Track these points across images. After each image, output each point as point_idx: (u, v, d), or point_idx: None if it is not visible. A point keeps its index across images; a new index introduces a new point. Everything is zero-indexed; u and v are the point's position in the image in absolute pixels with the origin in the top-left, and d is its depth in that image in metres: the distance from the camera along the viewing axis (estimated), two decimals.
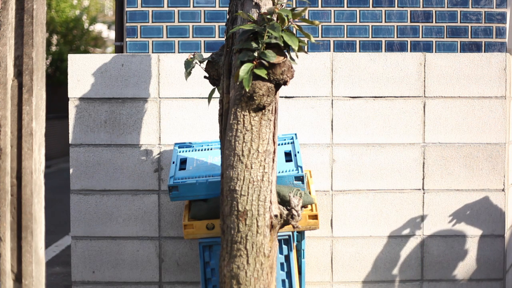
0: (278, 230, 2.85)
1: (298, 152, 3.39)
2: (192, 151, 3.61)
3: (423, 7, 4.40)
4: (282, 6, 2.78)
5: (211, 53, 3.09)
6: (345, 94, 3.83)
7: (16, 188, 2.21)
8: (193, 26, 4.38)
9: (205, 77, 3.11)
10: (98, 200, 3.81)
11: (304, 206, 3.25)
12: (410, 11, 4.40)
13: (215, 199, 3.22)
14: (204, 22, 4.37)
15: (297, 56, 2.85)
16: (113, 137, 3.80)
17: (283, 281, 3.23)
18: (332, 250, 3.84)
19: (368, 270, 3.85)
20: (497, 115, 3.84)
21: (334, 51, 4.38)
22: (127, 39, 4.38)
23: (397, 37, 4.40)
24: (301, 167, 3.28)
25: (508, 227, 3.93)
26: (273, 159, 2.79)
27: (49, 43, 16.75)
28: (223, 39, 3.96)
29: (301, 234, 3.43)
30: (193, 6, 4.37)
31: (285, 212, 2.86)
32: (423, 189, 3.85)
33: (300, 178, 3.22)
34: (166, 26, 4.37)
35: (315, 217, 3.26)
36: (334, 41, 4.39)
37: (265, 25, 2.70)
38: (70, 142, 3.81)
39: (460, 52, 4.40)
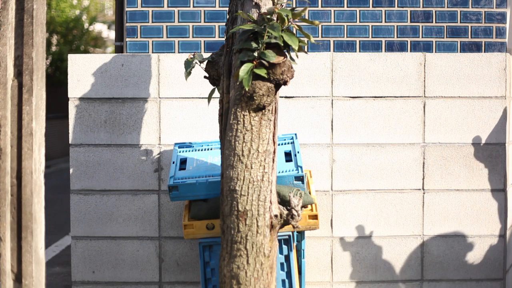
0: (278, 230, 2.85)
1: (298, 152, 3.39)
2: (192, 151, 3.61)
3: (423, 7, 4.40)
4: (282, 6, 2.78)
5: (211, 53, 3.09)
6: (345, 94, 3.83)
7: (16, 188, 2.21)
8: (193, 26, 4.38)
9: (205, 77, 3.11)
10: (98, 200, 3.81)
11: (304, 206, 3.25)
12: (410, 11, 4.40)
13: (215, 199, 3.22)
14: (204, 22, 4.37)
15: (297, 56, 2.85)
16: (113, 137, 3.80)
17: (283, 281, 3.23)
18: (332, 250, 3.84)
19: (368, 270, 3.85)
20: (497, 115, 3.84)
21: (334, 51, 4.38)
22: (127, 39, 4.38)
23: (397, 37, 4.40)
24: (301, 167, 3.28)
25: (508, 227, 3.93)
26: (273, 159, 2.79)
27: (49, 43, 16.75)
28: (223, 39, 3.97)
29: (301, 234, 3.43)
30: (193, 6, 4.37)
31: (285, 212, 2.86)
32: (423, 189, 3.85)
33: (300, 178, 3.22)
34: (166, 26, 4.37)
35: (315, 217, 3.26)
36: (334, 41, 4.39)
37: (265, 25, 2.70)
38: (70, 142, 3.81)
39: (460, 52, 4.40)
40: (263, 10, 2.77)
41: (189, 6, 4.37)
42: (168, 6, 4.36)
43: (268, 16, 2.72)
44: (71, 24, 17.40)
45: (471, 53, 4.06)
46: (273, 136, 2.80)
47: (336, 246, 3.84)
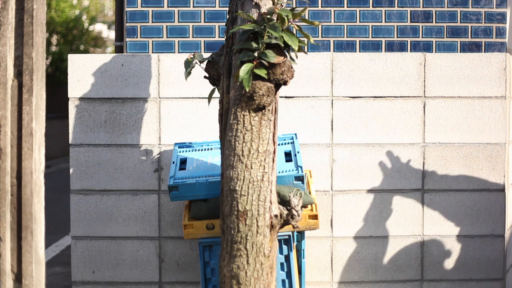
0: (278, 230, 2.85)
1: (298, 152, 3.39)
2: (192, 151, 3.61)
3: (423, 7, 4.40)
4: (282, 6, 2.78)
5: (211, 53, 3.09)
6: (345, 94, 3.83)
7: (16, 188, 2.21)
8: (193, 26, 4.38)
9: (205, 77, 3.11)
10: (98, 200, 3.81)
11: (304, 206, 3.25)
12: (410, 11, 4.40)
13: (215, 199, 3.22)
14: (204, 22, 4.38)
15: (297, 56, 2.85)
16: (113, 137, 3.80)
17: (283, 281, 3.23)
18: (332, 250, 3.84)
19: (368, 270, 3.85)
20: (497, 115, 3.84)
21: (334, 51, 4.38)
22: (127, 39, 4.38)
23: (397, 37, 4.40)
24: (301, 167, 3.28)
25: (508, 227, 3.93)
26: (273, 159, 2.79)
27: (49, 43, 16.76)
28: (223, 39, 3.97)
29: (301, 234, 3.43)
30: (193, 6, 4.37)
31: (285, 212, 2.86)
32: (423, 189, 3.85)
33: (300, 178, 3.22)
34: (166, 26, 4.37)
35: (315, 217, 3.26)
36: (334, 41, 4.39)
37: (265, 25, 2.70)
38: (70, 142, 3.82)
39: (460, 52, 4.40)
40: (263, 10, 2.77)
41: (189, 6, 4.37)
42: (168, 6, 4.36)
43: (268, 16, 2.72)
44: (71, 24, 17.41)
45: (471, 53, 4.06)
46: (273, 136, 2.80)
47: (336, 246, 3.84)
